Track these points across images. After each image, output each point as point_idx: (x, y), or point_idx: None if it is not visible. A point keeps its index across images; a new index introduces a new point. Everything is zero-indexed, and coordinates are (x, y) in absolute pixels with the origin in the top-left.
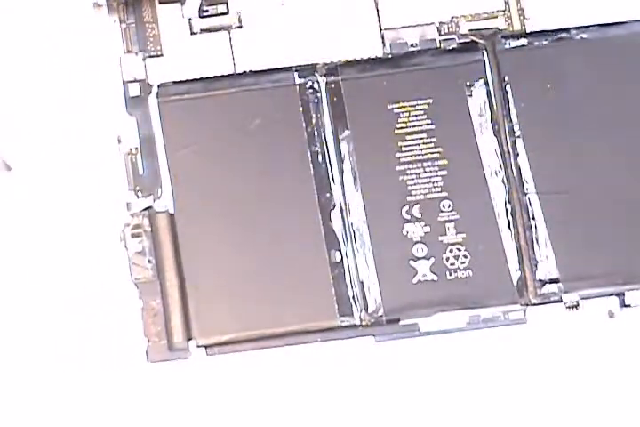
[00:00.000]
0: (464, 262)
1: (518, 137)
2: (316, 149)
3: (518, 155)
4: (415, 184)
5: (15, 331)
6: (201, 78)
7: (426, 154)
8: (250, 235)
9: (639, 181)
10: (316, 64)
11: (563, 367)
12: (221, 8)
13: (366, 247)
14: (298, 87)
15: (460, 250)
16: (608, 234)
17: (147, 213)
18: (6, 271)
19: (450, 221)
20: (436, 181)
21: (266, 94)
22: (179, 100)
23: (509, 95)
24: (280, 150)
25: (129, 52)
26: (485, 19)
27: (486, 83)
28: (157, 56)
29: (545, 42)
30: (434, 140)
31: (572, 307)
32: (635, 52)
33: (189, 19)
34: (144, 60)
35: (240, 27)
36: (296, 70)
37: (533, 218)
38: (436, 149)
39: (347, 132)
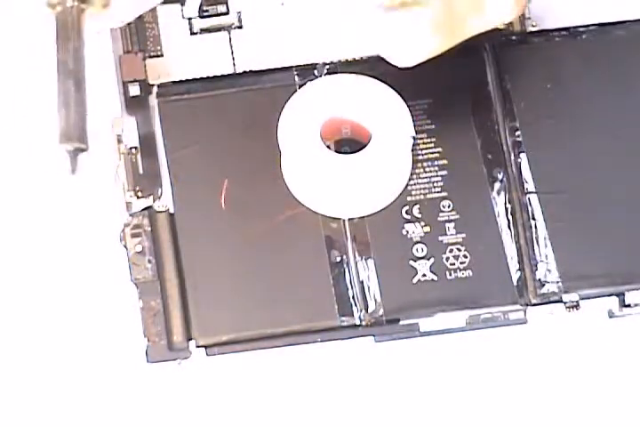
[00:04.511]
0: (464, 262)
1: (518, 137)
2: None
3: (518, 155)
4: (415, 184)
5: (15, 331)
6: (201, 78)
7: (426, 154)
8: (250, 235)
9: (639, 181)
10: (316, 64)
11: (563, 367)
12: (221, 8)
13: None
14: (298, 87)
15: (460, 250)
16: (608, 234)
17: (147, 213)
18: (6, 271)
19: (450, 221)
20: (436, 181)
21: (266, 94)
22: (179, 100)
23: (509, 95)
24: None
25: (129, 52)
26: None
27: (486, 83)
28: (157, 56)
29: (545, 42)
30: (434, 140)
31: (572, 307)
32: (635, 52)
33: (189, 19)
34: (144, 60)
35: (240, 27)
36: (296, 70)
37: (533, 218)
38: (436, 149)
39: None
